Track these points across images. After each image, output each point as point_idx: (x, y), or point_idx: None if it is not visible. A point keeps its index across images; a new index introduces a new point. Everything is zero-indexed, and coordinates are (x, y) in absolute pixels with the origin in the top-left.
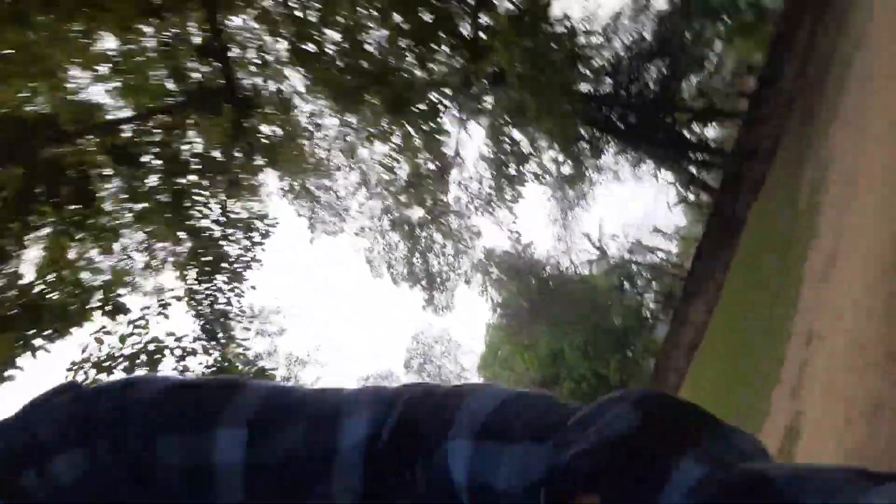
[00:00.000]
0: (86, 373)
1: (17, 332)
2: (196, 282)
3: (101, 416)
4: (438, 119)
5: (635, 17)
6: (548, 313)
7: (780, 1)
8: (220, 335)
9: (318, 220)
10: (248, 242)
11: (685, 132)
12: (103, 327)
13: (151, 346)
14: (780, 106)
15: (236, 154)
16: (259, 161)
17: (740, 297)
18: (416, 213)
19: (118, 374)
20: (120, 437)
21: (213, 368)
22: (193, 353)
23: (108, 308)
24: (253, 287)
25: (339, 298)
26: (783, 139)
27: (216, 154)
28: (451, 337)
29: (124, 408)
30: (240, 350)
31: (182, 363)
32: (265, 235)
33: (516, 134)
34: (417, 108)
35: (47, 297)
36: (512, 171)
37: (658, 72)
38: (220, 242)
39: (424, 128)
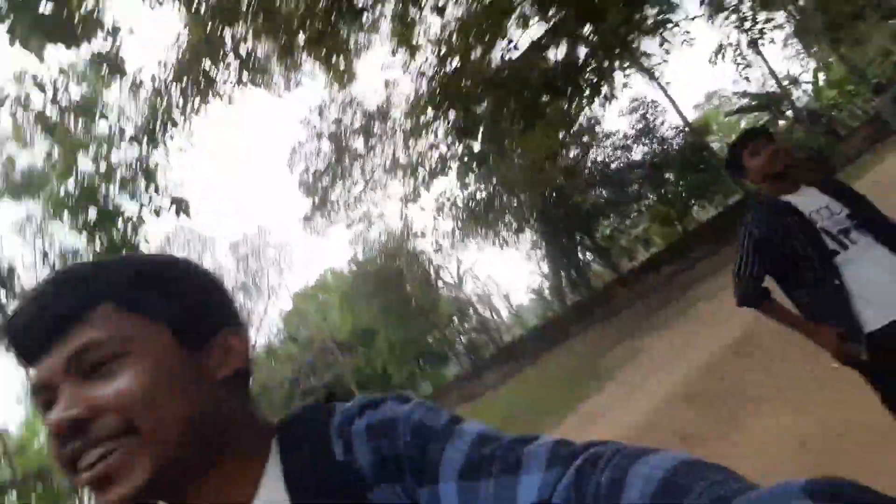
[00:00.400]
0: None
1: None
2: (172, 82)
3: (393, 456)
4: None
5: (616, 147)
6: (388, 298)
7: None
8: (156, 139)
9: (269, 75)
10: (234, 78)
11: (580, 252)
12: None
13: (92, 107)
14: (642, 289)
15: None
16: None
17: (525, 391)
18: (359, 144)
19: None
20: (416, 481)
21: (138, 167)
22: (124, 139)
23: (103, 55)
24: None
25: (242, 161)
26: (628, 311)
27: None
28: (291, 255)
29: (412, 453)
30: (158, 164)
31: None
32: (252, 82)
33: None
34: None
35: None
36: (478, 210)
37: (598, 198)
38: (219, 65)
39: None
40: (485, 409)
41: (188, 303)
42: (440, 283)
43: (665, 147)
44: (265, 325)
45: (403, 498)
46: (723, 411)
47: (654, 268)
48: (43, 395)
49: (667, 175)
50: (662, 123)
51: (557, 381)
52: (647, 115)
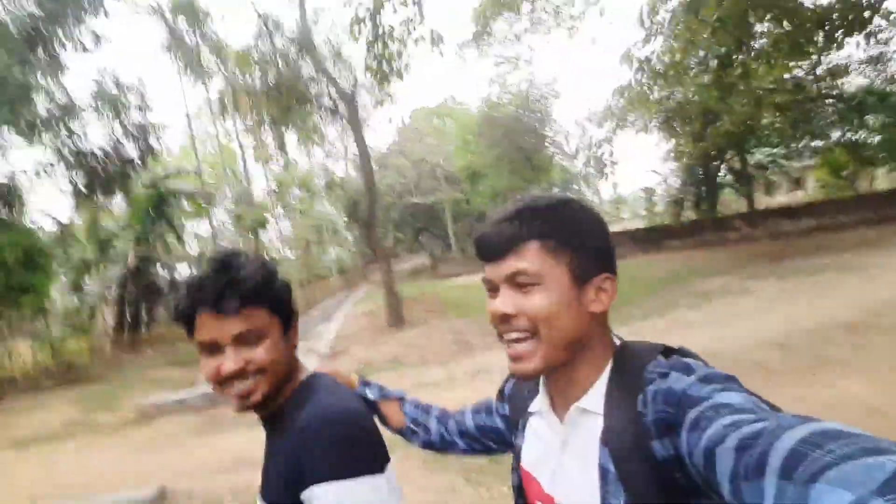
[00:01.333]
0: None
1: None
2: None
3: (666, 419)
4: None
5: (830, 70)
6: (507, 147)
7: None
8: None
9: None
10: None
11: (722, 171)
12: None
13: None
14: (768, 232)
15: None
16: None
17: None
18: None
19: None
20: (677, 433)
21: None
22: None
23: None
24: None
25: None
26: (745, 247)
27: None
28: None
29: (679, 418)
30: None
31: None
32: None
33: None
34: None
35: None
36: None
37: (775, 118)
38: None
39: None
40: None
41: (587, 251)
42: (558, 149)
43: (890, 85)
44: (382, 132)
45: (672, 450)
46: (807, 363)
47: (793, 215)
48: (489, 283)
49: (870, 118)
50: None
51: (645, 285)
52: (890, 43)
